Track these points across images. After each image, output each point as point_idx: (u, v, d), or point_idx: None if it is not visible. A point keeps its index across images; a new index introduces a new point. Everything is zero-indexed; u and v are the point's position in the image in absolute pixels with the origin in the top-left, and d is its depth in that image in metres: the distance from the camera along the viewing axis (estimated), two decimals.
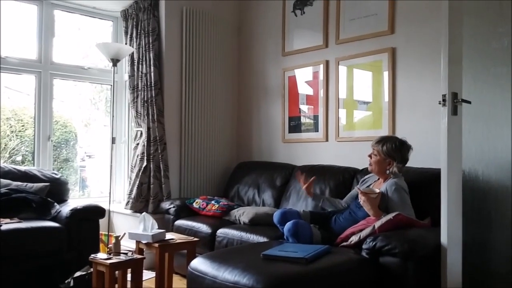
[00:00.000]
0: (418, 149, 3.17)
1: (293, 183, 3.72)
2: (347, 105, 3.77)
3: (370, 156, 2.88)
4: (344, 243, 2.59)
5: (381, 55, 3.50)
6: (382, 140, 2.84)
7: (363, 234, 2.48)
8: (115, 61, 3.74)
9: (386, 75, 3.48)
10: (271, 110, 4.40)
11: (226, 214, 3.64)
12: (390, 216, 2.47)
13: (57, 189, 3.71)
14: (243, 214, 3.46)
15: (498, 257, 2.61)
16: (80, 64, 4.38)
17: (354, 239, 2.53)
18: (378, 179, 2.93)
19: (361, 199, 2.66)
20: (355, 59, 3.69)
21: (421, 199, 2.75)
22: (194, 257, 2.70)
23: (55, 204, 3.50)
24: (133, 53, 4.18)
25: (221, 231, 3.31)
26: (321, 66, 3.94)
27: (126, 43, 4.26)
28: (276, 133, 4.34)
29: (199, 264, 2.29)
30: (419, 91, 3.29)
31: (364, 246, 2.35)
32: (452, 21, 2.28)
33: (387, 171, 2.81)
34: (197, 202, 3.81)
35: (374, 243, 2.29)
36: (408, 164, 2.99)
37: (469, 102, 2.33)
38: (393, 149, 2.78)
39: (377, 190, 2.69)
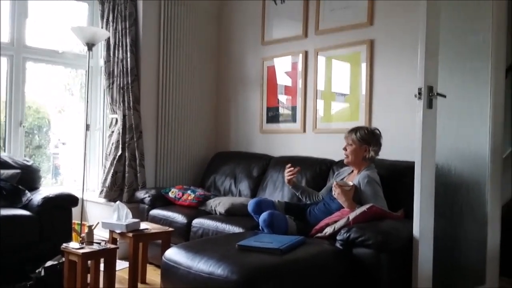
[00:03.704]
0: (393, 142, 3.21)
1: (270, 173, 3.72)
2: (325, 96, 3.78)
3: (345, 148, 2.91)
4: (319, 234, 2.61)
5: (359, 47, 3.51)
6: (354, 129, 2.92)
7: (337, 225, 2.50)
8: (90, 46, 3.65)
9: (364, 67, 3.49)
10: (249, 100, 4.38)
11: (202, 204, 3.62)
12: (364, 208, 2.50)
13: (28, 177, 3.62)
14: (219, 204, 3.44)
15: (469, 251, 2.68)
16: (54, 48, 4.25)
17: (328, 230, 2.55)
18: (352, 171, 2.96)
19: (335, 191, 2.68)
20: (334, 50, 3.69)
21: (395, 191, 2.79)
22: (169, 247, 2.68)
23: (26, 192, 3.42)
24: (109, 38, 4.08)
25: (197, 221, 3.29)
26: (300, 56, 3.92)
27: (102, 27, 4.16)
28: (254, 123, 4.32)
29: (174, 254, 2.27)
30: (396, 84, 3.32)
31: (338, 237, 2.37)
32: (430, 15, 2.29)
33: (365, 157, 2.84)
34: (172, 192, 3.77)
35: (348, 235, 2.31)
36: (383, 157, 3.03)
37: (444, 96, 2.36)
38: (367, 134, 2.87)
39: (351, 183, 2.72)
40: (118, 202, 3.11)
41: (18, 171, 3.53)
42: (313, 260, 2.23)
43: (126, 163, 4.02)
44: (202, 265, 2.08)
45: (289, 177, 3.02)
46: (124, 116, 4.03)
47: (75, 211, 3.50)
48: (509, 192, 3.46)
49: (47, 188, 3.77)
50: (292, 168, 3.02)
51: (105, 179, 4.06)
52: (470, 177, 2.65)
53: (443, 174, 2.47)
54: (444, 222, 2.45)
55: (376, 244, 2.22)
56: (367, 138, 2.85)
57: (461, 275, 2.64)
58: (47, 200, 3.27)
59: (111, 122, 4.19)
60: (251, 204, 2.95)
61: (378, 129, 2.94)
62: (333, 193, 2.75)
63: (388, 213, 2.59)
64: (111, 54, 4.13)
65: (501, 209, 2.73)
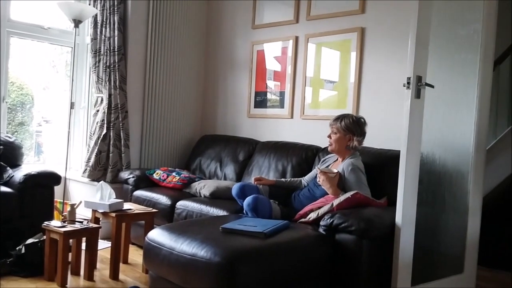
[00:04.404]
0: (380, 130, 3.23)
1: (256, 158, 3.72)
2: (313, 83, 3.77)
3: (329, 136, 2.91)
4: (303, 220, 2.62)
5: (350, 35, 3.50)
6: (339, 118, 2.89)
7: (321, 211, 2.52)
8: (77, 22, 3.58)
9: (353, 55, 3.48)
10: (237, 84, 4.35)
11: (186, 187, 3.61)
12: (348, 194, 2.51)
13: (10, 153, 3.55)
14: (204, 187, 3.43)
15: (449, 239, 2.72)
16: (40, 23, 4.15)
17: (312, 215, 2.56)
18: (337, 159, 2.96)
19: (320, 178, 2.69)
20: (324, 36, 3.67)
21: (379, 179, 2.81)
22: (152, 228, 2.67)
23: (8, 168, 3.37)
24: (96, 15, 4.00)
25: (181, 203, 3.28)
26: (291, 41, 3.90)
27: (89, 4, 4.07)
28: (242, 107, 4.30)
29: (157, 235, 2.26)
30: (384, 73, 3.32)
31: (321, 223, 2.39)
32: (422, 5, 2.28)
33: (349, 146, 2.84)
34: (157, 173, 3.75)
35: (331, 220, 2.33)
36: (369, 145, 3.05)
37: (432, 86, 2.37)
38: (352, 123, 2.84)
39: (335, 170, 2.73)
40: (101, 181, 3.08)
41: (0, 147, 3.46)
42: (296, 244, 2.24)
43: (111, 142, 3.98)
44: (185, 246, 2.08)
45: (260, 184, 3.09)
46: (109, 95, 3.98)
47: (58, 189, 3.46)
48: (491, 183, 3.52)
49: (29, 166, 3.72)
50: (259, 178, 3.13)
51: (89, 159, 4.02)
52: (454, 167, 2.68)
53: (427, 163, 2.49)
54: (426, 211, 2.48)
55: (359, 231, 2.24)
56: (351, 128, 2.83)
57: (440, 263, 2.69)
58: (28, 178, 3.22)
59: (96, 101, 4.13)
60: (235, 188, 2.96)
61: (363, 118, 2.92)
62: (317, 180, 2.76)
63: (371, 200, 2.61)
64: (98, 32, 4.05)
65: (482, 199, 2.78)
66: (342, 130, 2.84)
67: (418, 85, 2.31)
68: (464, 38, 2.69)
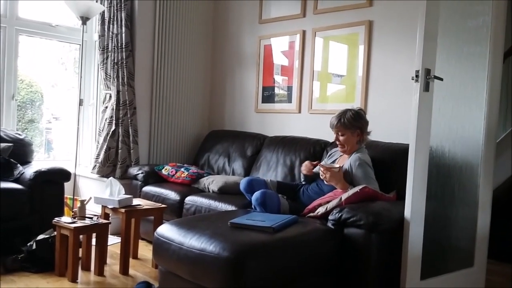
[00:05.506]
0: (388, 124, 3.22)
1: (264, 153, 3.72)
2: (321, 77, 3.75)
3: (337, 139, 2.86)
4: (311, 214, 2.62)
5: (358, 28, 3.47)
6: (339, 118, 2.82)
7: (330, 205, 2.51)
8: (84, 19, 3.60)
9: (361, 49, 3.46)
10: (245, 79, 4.34)
11: (195, 182, 3.62)
12: (357, 188, 2.51)
13: (20, 150, 3.59)
14: (213, 182, 3.44)
15: (459, 233, 2.70)
16: (48, 21, 4.17)
17: (321, 210, 2.56)
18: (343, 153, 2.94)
19: (326, 175, 2.66)
20: (331, 30, 3.65)
21: (389, 173, 2.79)
22: (161, 223, 2.69)
23: (18, 165, 3.40)
24: (104, 11, 4.01)
25: (190, 199, 3.29)
26: (298, 36, 3.88)
27: (96, 1, 4.08)
28: (249, 102, 4.30)
29: (166, 230, 2.27)
30: (393, 66, 3.30)
31: (330, 217, 2.38)
32: None
33: (359, 141, 2.81)
34: (166, 169, 3.77)
35: (340, 215, 2.33)
36: (378, 138, 3.03)
37: (441, 79, 2.35)
38: (354, 119, 2.80)
39: (337, 165, 2.71)
40: (111, 177, 3.10)
41: (10, 144, 3.50)
42: (304, 239, 2.24)
43: (120, 139, 4.00)
44: (194, 241, 2.09)
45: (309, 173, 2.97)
46: (118, 91, 4.00)
47: (68, 186, 3.49)
48: (499, 178, 3.49)
49: (39, 162, 3.75)
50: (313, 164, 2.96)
51: (98, 155, 4.04)
52: (463, 160, 2.66)
53: (436, 156, 2.47)
54: (435, 204, 2.47)
55: (367, 225, 2.23)
56: (356, 123, 2.79)
57: (450, 256, 2.67)
58: (39, 174, 3.25)
59: (105, 97, 4.15)
60: (243, 183, 2.96)
61: (361, 109, 2.88)
62: (321, 177, 2.73)
63: (380, 194, 2.60)
64: (106, 29, 4.07)
65: (492, 192, 2.75)
66: (348, 128, 2.80)
67: (427, 78, 2.28)
68: (472, 31, 2.65)
